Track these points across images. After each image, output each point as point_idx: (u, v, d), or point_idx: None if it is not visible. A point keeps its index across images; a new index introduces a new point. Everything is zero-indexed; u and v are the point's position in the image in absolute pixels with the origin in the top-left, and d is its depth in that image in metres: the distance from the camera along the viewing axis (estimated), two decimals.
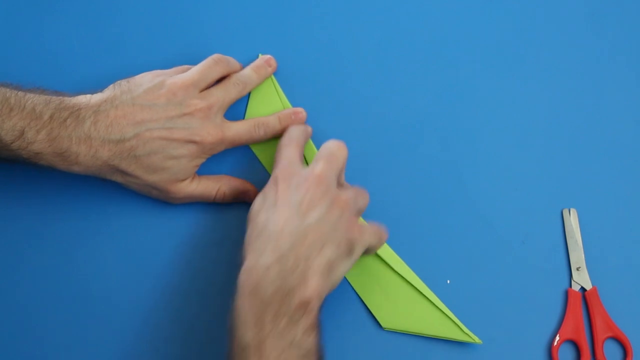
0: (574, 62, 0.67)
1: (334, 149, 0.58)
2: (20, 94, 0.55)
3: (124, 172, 0.57)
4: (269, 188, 0.56)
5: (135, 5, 0.68)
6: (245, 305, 0.51)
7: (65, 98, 0.56)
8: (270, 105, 0.65)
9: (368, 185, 0.63)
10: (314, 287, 0.51)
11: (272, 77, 0.66)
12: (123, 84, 0.58)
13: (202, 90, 0.60)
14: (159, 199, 0.61)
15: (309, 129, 0.63)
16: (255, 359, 0.49)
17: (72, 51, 0.67)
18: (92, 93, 0.58)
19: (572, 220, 0.63)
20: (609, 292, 0.62)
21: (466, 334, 0.60)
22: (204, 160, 0.60)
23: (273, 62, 0.65)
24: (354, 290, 0.61)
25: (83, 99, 0.57)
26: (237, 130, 0.61)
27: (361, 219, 0.60)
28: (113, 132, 0.55)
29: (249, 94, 0.65)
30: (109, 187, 0.61)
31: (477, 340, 0.60)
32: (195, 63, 0.63)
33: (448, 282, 0.62)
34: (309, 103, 0.65)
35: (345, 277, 0.61)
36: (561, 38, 0.68)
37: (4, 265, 0.62)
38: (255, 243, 0.53)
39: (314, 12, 0.68)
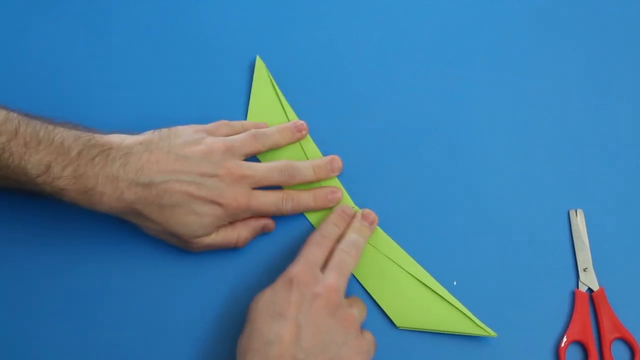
0: (581, 61, 0.67)
1: (345, 257, 0.57)
2: (50, 127, 0.53)
3: (146, 218, 0.56)
4: (281, 290, 0.54)
5: (134, 8, 0.68)
6: None
7: (96, 135, 0.55)
8: (272, 111, 0.65)
9: (373, 187, 0.63)
10: None
11: (273, 81, 0.66)
12: (163, 131, 0.58)
13: (239, 157, 0.59)
14: (177, 246, 0.60)
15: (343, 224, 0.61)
16: None
17: (71, 55, 0.67)
18: (126, 133, 0.57)
19: (579, 221, 0.63)
20: (616, 293, 0.61)
21: (481, 327, 0.60)
22: (225, 223, 0.59)
23: (304, 131, 0.64)
24: (366, 291, 0.61)
25: (116, 138, 0.56)
26: (265, 201, 0.59)
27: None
28: (142, 176, 0.54)
29: (250, 99, 0.65)
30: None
31: (492, 333, 0.59)
32: (195, 64, 0.65)
33: (454, 283, 0.61)
34: (309, 105, 0.66)
35: (356, 278, 0.61)
36: (567, 37, 0.68)
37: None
38: (254, 356, 0.52)
39: (314, 12, 0.68)
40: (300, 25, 0.68)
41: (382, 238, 0.62)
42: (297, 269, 0.55)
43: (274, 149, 0.62)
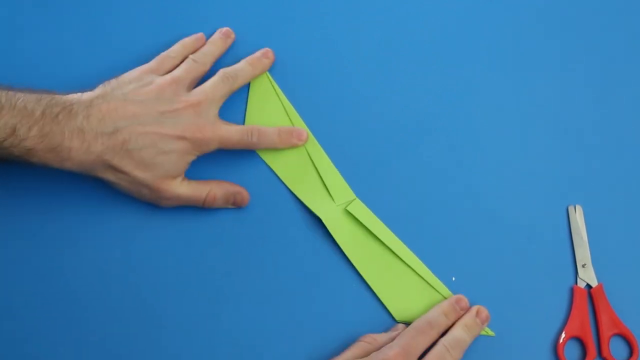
0: (581, 57, 0.67)
1: (446, 357, 0.56)
2: (11, 93, 0.55)
3: (115, 168, 0.57)
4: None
5: (133, 4, 0.68)
6: None
7: (56, 95, 0.57)
8: (271, 109, 0.65)
9: (372, 184, 0.64)
10: None
11: (271, 79, 0.65)
12: (112, 81, 0.59)
13: (190, 87, 0.61)
14: (149, 201, 0.61)
15: None
16: None
17: (64, 50, 0.67)
18: (82, 92, 0.58)
19: (578, 217, 0.63)
20: (615, 289, 0.61)
21: None
22: (194, 157, 0.60)
23: (271, 55, 0.65)
24: (367, 285, 0.61)
25: (74, 96, 0.57)
26: (229, 131, 0.60)
27: None
28: (106, 125, 0.56)
29: (248, 98, 0.65)
30: (100, 189, 0.61)
31: (489, 332, 0.60)
32: None
33: (453, 279, 0.61)
34: (310, 103, 0.66)
35: (357, 271, 0.61)
36: (566, 33, 0.68)
37: None
38: None
39: (314, 11, 0.68)
40: (300, 24, 0.68)
41: (385, 232, 0.62)
42: (396, 352, 0.54)
43: (227, 70, 0.63)
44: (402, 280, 0.61)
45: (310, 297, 0.61)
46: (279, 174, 0.63)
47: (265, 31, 0.67)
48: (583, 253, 0.62)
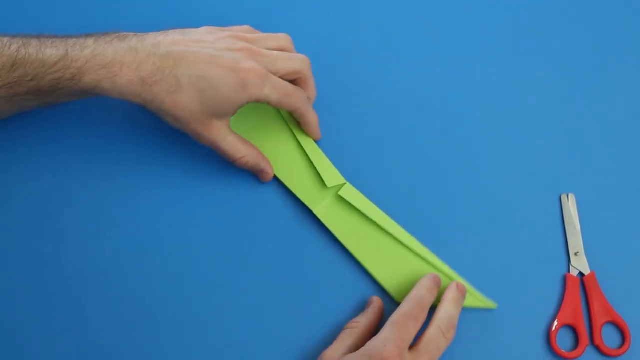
0: (574, 47, 0.68)
1: (440, 341, 0.54)
2: (60, 36, 0.56)
3: (162, 93, 0.55)
4: (379, 347, 0.51)
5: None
6: None
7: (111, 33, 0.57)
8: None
9: (367, 172, 0.63)
10: None
11: None
12: (179, 29, 0.58)
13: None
14: (187, 133, 0.58)
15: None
16: None
17: None
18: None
19: (571, 205, 0.63)
20: (607, 277, 0.61)
21: (480, 299, 0.60)
22: (244, 102, 0.57)
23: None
24: (365, 269, 0.61)
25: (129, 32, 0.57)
26: (282, 83, 0.58)
27: None
28: (159, 47, 0.55)
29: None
30: (99, 181, 0.61)
31: (491, 304, 0.59)
32: None
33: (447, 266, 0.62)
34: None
35: (354, 256, 0.61)
36: (561, 24, 0.68)
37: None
38: None
39: (314, 8, 0.68)
40: (301, 19, 0.68)
41: (379, 214, 0.62)
42: (389, 352, 0.51)
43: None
44: (399, 259, 0.61)
45: (307, 289, 0.61)
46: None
47: (264, 23, 0.67)
48: (576, 241, 0.62)
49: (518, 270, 0.62)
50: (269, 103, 0.58)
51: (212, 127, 0.58)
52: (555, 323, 0.60)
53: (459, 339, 0.60)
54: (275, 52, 0.58)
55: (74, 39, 0.55)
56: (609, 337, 0.60)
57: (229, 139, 0.59)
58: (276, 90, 0.57)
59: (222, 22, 0.67)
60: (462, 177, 0.64)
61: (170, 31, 0.58)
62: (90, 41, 0.55)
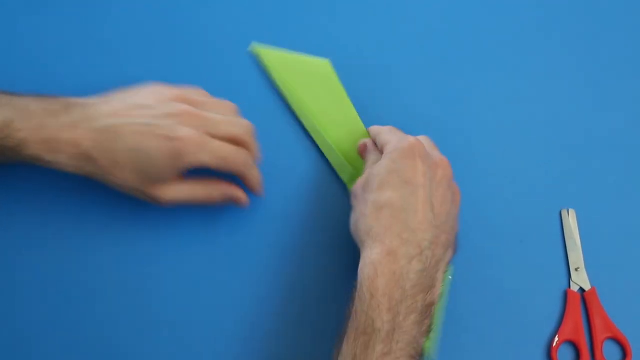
0: (574, 62, 0.68)
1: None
2: (16, 96, 0.55)
3: (106, 168, 0.55)
4: (403, 159, 0.54)
5: (135, 7, 0.68)
6: (382, 287, 0.50)
7: (61, 98, 0.56)
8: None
9: None
10: (438, 290, 0.53)
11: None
12: (122, 89, 0.58)
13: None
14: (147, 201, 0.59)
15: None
16: (383, 345, 0.49)
17: (68, 56, 0.66)
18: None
19: (571, 221, 0.63)
20: (608, 293, 0.61)
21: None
22: (182, 169, 0.57)
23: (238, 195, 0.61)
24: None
25: (79, 98, 0.57)
26: (221, 147, 0.57)
27: None
28: (97, 122, 0.55)
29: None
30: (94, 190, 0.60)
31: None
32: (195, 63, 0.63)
33: (450, 277, 0.61)
34: None
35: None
36: (561, 37, 0.68)
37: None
38: (392, 225, 0.52)
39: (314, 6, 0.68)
40: (298, 19, 0.68)
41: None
42: (412, 140, 0.55)
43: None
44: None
45: (310, 296, 0.61)
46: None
47: (262, 21, 0.67)
48: (576, 257, 0.62)
49: (519, 285, 0.62)
50: (208, 167, 0.57)
51: (161, 190, 0.57)
52: (556, 339, 0.60)
53: (460, 355, 0.60)
54: (217, 116, 0.58)
55: (23, 102, 0.54)
56: (609, 353, 0.60)
57: (178, 191, 0.58)
58: (214, 155, 0.57)
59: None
60: (461, 192, 0.64)
61: (115, 95, 0.57)
62: (38, 110, 0.54)
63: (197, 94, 0.60)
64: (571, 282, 0.62)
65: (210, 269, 0.61)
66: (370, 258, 0.51)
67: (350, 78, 0.66)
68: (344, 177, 0.63)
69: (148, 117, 0.56)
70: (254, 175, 0.60)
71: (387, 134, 0.59)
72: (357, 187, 0.56)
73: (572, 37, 0.68)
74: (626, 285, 0.62)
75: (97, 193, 0.61)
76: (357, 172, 0.61)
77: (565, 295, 0.61)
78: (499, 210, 0.63)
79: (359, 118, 0.64)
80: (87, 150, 0.55)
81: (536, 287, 0.62)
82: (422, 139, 0.58)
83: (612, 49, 0.68)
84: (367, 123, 0.64)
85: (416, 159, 0.54)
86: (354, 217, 0.55)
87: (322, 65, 0.65)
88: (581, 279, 0.62)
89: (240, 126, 0.59)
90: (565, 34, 0.68)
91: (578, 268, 0.62)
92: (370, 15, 0.68)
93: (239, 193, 0.61)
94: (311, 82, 0.65)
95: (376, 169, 0.55)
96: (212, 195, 0.60)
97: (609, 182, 0.64)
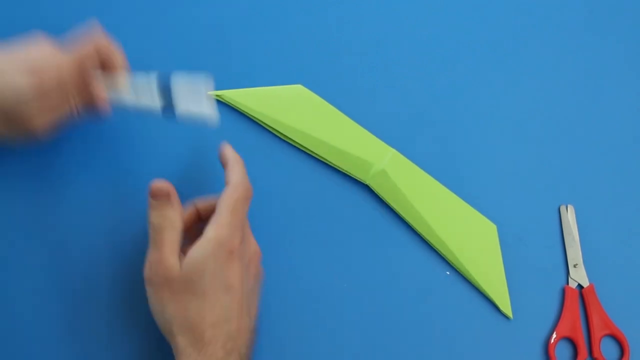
0: (573, 57, 0.67)
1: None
2: None
3: None
4: (225, 261, 0.51)
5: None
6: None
7: None
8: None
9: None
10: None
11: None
12: (15, 41, 0.55)
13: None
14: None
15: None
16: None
17: None
18: None
19: (570, 217, 0.63)
20: (606, 290, 0.61)
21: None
22: (42, 90, 0.53)
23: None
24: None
25: None
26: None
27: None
28: None
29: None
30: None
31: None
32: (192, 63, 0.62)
33: (447, 273, 0.61)
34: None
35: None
36: (559, 35, 0.68)
37: None
38: (216, 336, 0.50)
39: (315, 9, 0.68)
40: (298, 22, 0.67)
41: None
42: (235, 239, 0.52)
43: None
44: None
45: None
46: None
47: (262, 20, 0.67)
48: (574, 253, 0.62)
49: (517, 281, 0.61)
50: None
51: (31, 124, 0.55)
52: (554, 335, 0.60)
53: (458, 352, 0.59)
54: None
55: None
56: (607, 350, 0.60)
57: (48, 116, 0.55)
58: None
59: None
60: (459, 189, 0.63)
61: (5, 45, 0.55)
62: None
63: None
64: (569, 279, 0.62)
65: None
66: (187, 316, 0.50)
67: (348, 82, 0.66)
68: (360, 174, 0.62)
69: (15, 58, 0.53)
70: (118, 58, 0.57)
71: (232, 172, 0.54)
72: (170, 271, 0.51)
73: (572, 32, 0.68)
74: (624, 282, 0.62)
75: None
76: (372, 166, 0.62)
77: (563, 291, 0.61)
78: (497, 206, 0.63)
79: (355, 123, 0.64)
80: None
81: (534, 283, 0.61)
82: (238, 187, 0.54)
83: (611, 45, 0.68)
84: (363, 112, 0.64)
85: (234, 260, 0.51)
86: (161, 304, 0.51)
87: (296, 89, 0.64)
88: (579, 276, 0.62)
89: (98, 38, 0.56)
90: (566, 30, 0.68)
91: (576, 264, 0.62)
92: (369, 13, 0.68)
93: (100, 92, 0.56)
94: (293, 105, 0.64)
95: (206, 265, 0.51)
96: (75, 103, 0.57)
97: (608, 178, 0.64)
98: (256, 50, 0.66)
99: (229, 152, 0.55)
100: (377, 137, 0.64)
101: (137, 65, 0.63)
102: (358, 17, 0.67)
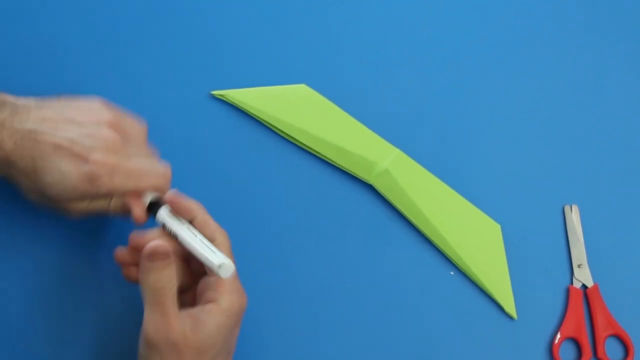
0: (577, 57, 0.67)
1: None
2: None
3: (22, 173, 0.53)
4: (235, 325, 0.51)
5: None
6: None
7: (2, 95, 0.54)
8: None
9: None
10: None
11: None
12: (65, 97, 0.56)
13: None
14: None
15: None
16: None
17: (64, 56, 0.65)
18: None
19: (574, 217, 0.63)
20: (610, 290, 0.61)
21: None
22: (88, 193, 0.53)
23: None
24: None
25: (16, 98, 0.54)
26: (139, 162, 0.54)
27: None
28: (23, 126, 0.52)
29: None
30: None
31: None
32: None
33: (452, 273, 0.61)
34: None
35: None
36: (563, 34, 0.68)
37: None
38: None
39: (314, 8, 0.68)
40: (298, 27, 0.67)
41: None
42: (243, 303, 0.52)
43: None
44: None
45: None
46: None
47: (260, 21, 0.67)
48: (579, 253, 0.62)
49: (521, 282, 0.61)
50: (122, 191, 0.54)
51: (70, 204, 0.55)
52: (558, 336, 0.60)
53: (462, 353, 0.59)
54: (138, 161, 0.54)
55: None
56: (612, 350, 0.60)
57: (90, 206, 0.55)
58: (129, 177, 0.54)
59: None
60: (463, 188, 0.63)
61: (53, 101, 0.55)
62: None
63: (133, 125, 0.56)
64: (573, 279, 0.61)
65: None
66: None
67: (349, 83, 0.65)
68: (364, 173, 0.62)
69: (73, 133, 0.53)
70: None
71: (220, 238, 0.52)
72: (181, 338, 0.49)
73: (576, 32, 0.68)
74: (629, 282, 0.61)
75: None
76: (376, 165, 0.62)
77: (568, 291, 0.61)
78: (502, 205, 0.63)
79: (359, 122, 0.64)
80: (8, 153, 0.52)
81: (538, 283, 0.61)
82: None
83: (614, 45, 0.68)
84: (366, 112, 0.64)
85: (239, 325, 0.52)
86: None
87: (300, 89, 0.64)
88: (584, 276, 0.61)
89: (157, 176, 0.55)
90: (570, 29, 0.68)
91: (581, 264, 0.62)
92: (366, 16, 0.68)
93: (137, 209, 0.55)
94: (297, 105, 0.64)
95: (213, 337, 0.49)
96: (113, 203, 0.56)
97: (612, 178, 0.64)
98: (260, 50, 0.66)
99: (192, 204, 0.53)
100: (381, 136, 0.64)
101: (142, 64, 0.63)
102: (362, 17, 0.67)
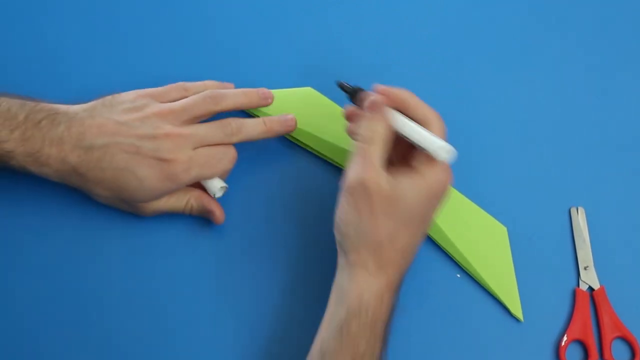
0: (583, 59, 0.67)
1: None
2: None
3: (92, 182, 0.56)
4: (443, 196, 0.54)
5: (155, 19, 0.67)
6: (383, 318, 0.53)
7: (42, 103, 0.56)
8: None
9: None
10: None
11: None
12: (107, 98, 0.58)
13: (185, 121, 0.58)
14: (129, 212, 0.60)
15: None
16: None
17: (71, 60, 0.66)
18: (73, 104, 0.57)
19: (580, 219, 0.63)
20: (617, 292, 0.61)
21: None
22: (168, 190, 0.57)
23: (270, 97, 0.63)
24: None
25: (61, 106, 0.57)
26: (206, 132, 0.58)
27: None
28: (84, 140, 0.55)
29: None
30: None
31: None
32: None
33: (458, 275, 0.61)
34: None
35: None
36: (569, 35, 0.68)
37: None
38: (400, 260, 0.53)
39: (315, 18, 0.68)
40: (301, 26, 0.68)
41: None
42: (447, 184, 0.54)
43: (235, 109, 0.60)
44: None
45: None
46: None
47: (258, 20, 0.67)
48: (585, 255, 0.62)
49: (527, 284, 0.61)
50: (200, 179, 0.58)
51: (145, 204, 0.59)
52: (565, 338, 0.60)
53: (469, 355, 0.59)
54: (193, 126, 0.58)
55: (5, 109, 0.54)
56: (618, 353, 0.60)
57: (163, 202, 0.59)
58: (204, 167, 0.57)
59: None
60: (470, 191, 0.63)
61: (97, 106, 0.57)
62: (21, 117, 0.54)
63: (172, 95, 0.59)
64: (580, 281, 0.61)
65: (210, 270, 0.61)
66: (377, 287, 0.52)
67: (354, 72, 0.66)
68: None
69: (132, 137, 0.55)
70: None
71: (435, 121, 0.55)
72: (380, 188, 0.51)
73: (584, 34, 0.68)
74: (635, 284, 0.61)
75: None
76: None
77: (574, 294, 0.61)
78: (508, 207, 0.63)
79: None
80: (74, 166, 0.55)
81: (545, 285, 0.61)
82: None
83: (622, 47, 0.68)
84: None
85: (437, 205, 0.54)
86: (358, 216, 0.52)
87: (307, 92, 0.65)
88: (590, 278, 0.61)
89: (228, 160, 0.59)
90: (577, 31, 0.68)
91: (587, 267, 0.62)
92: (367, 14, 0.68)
93: (214, 207, 0.60)
94: (303, 108, 0.63)
95: (407, 200, 0.52)
96: (190, 203, 0.60)
97: (618, 180, 0.64)
98: (266, 54, 0.66)
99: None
100: None
101: (152, 68, 0.64)
102: (368, 20, 0.68)
